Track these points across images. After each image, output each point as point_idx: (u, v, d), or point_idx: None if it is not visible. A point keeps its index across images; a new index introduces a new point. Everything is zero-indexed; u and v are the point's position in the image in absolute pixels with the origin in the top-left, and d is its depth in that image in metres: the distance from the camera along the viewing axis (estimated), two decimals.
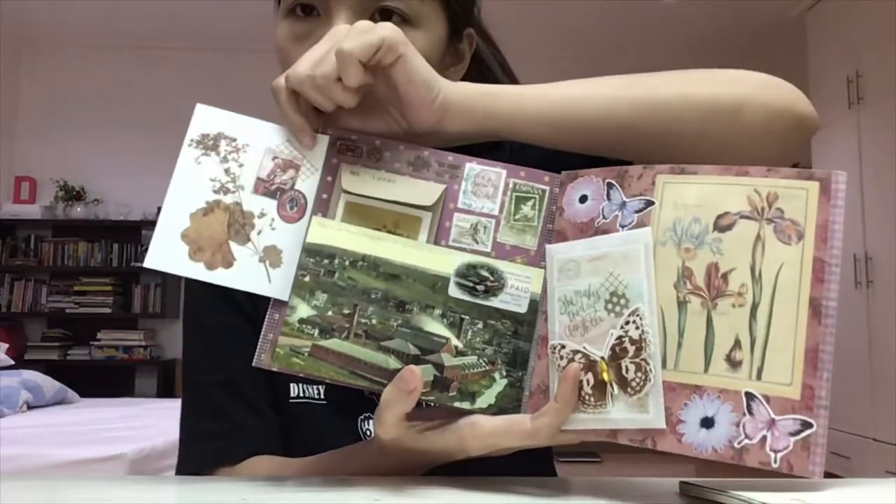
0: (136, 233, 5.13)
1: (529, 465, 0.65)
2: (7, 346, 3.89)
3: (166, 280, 5.06)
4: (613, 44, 5.17)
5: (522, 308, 0.55)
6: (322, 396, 0.72)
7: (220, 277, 0.55)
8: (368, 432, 0.72)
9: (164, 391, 4.91)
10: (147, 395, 4.77)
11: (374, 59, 0.53)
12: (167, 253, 0.55)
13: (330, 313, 0.54)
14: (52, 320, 5.15)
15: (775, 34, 4.87)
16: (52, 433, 2.48)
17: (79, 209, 5.13)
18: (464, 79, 0.75)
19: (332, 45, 0.54)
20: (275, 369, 0.53)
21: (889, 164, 3.51)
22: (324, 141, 0.58)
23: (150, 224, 5.05)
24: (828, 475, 0.46)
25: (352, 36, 0.53)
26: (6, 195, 5.18)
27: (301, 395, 0.72)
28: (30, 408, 3.03)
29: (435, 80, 0.57)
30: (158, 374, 5.04)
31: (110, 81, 5.30)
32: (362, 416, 0.72)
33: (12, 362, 3.68)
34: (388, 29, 0.54)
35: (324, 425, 0.71)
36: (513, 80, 0.81)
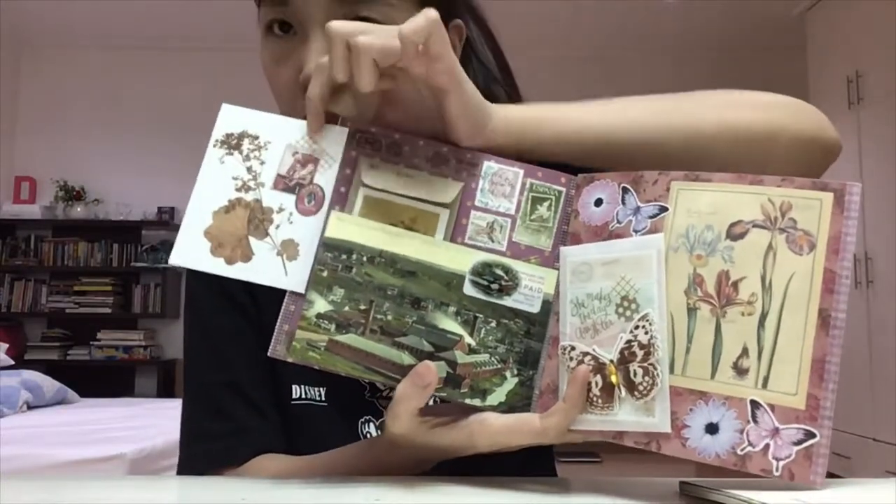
0: (136, 233, 5.13)
1: (530, 464, 0.65)
2: (7, 346, 3.89)
3: (166, 280, 5.07)
4: (614, 43, 5.18)
5: (535, 308, 0.55)
6: (323, 399, 0.72)
7: (238, 272, 0.55)
8: (368, 435, 0.72)
9: (164, 391, 4.91)
10: (147, 395, 4.77)
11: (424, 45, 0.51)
12: (191, 250, 0.55)
13: (346, 309, 0.54)
14: (52, 320, 5.14)
15: (775, 34, 4.87)
16: (52, 433, 2.48)
17: (79, 209, 5.12)
18: None
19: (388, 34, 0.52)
20: (290, 360, 0.53)
21: (889, 164, 3.51)
22: (342, 133, 0.58)
23: (150, 224, 5.06)
24: (828, 475, 0.46)
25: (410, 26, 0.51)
26: (6, 195, 5.18)
27: (303, 396, 0.72)
28: (30, 408, 3.04)
29: (484, 116, 0.57)
30: (158, 374, 5.04)
31: (110, 81, 5.30)
32: (363, 419, 0.72)
33: (12, 362, 3.69)
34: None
35: (324, 427, 0.71)
36: (508, 74, 0.81)
